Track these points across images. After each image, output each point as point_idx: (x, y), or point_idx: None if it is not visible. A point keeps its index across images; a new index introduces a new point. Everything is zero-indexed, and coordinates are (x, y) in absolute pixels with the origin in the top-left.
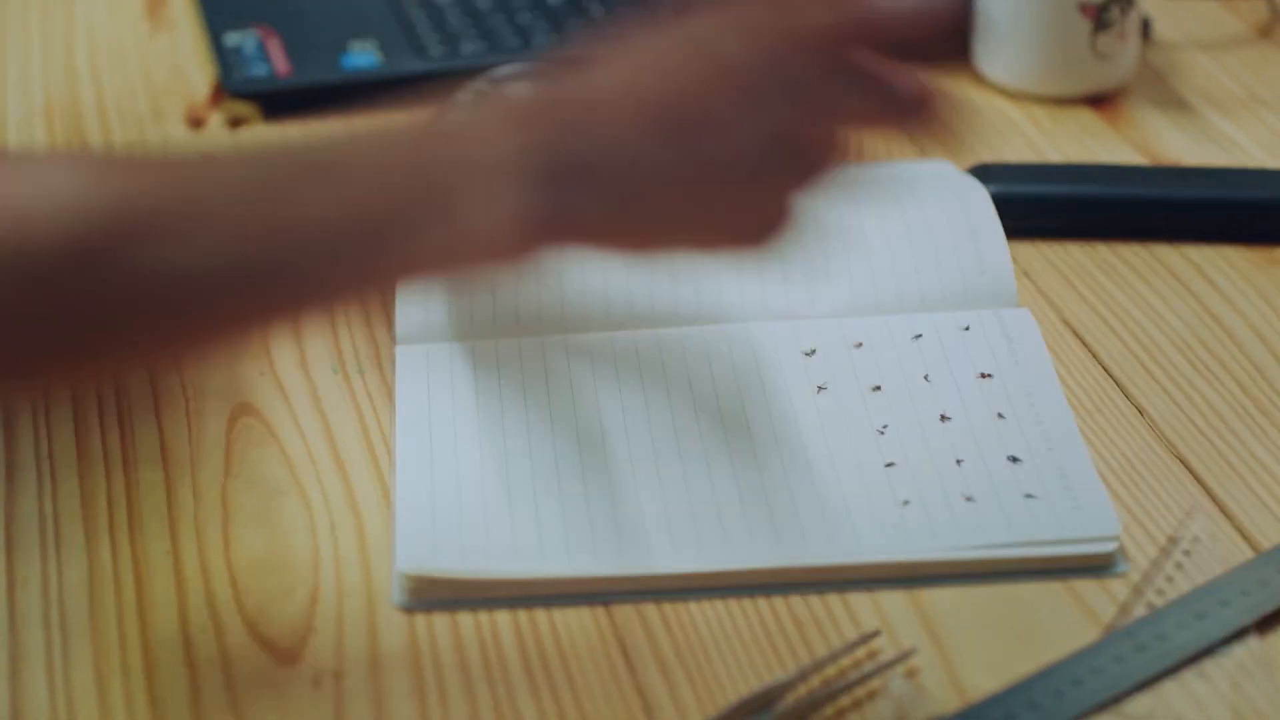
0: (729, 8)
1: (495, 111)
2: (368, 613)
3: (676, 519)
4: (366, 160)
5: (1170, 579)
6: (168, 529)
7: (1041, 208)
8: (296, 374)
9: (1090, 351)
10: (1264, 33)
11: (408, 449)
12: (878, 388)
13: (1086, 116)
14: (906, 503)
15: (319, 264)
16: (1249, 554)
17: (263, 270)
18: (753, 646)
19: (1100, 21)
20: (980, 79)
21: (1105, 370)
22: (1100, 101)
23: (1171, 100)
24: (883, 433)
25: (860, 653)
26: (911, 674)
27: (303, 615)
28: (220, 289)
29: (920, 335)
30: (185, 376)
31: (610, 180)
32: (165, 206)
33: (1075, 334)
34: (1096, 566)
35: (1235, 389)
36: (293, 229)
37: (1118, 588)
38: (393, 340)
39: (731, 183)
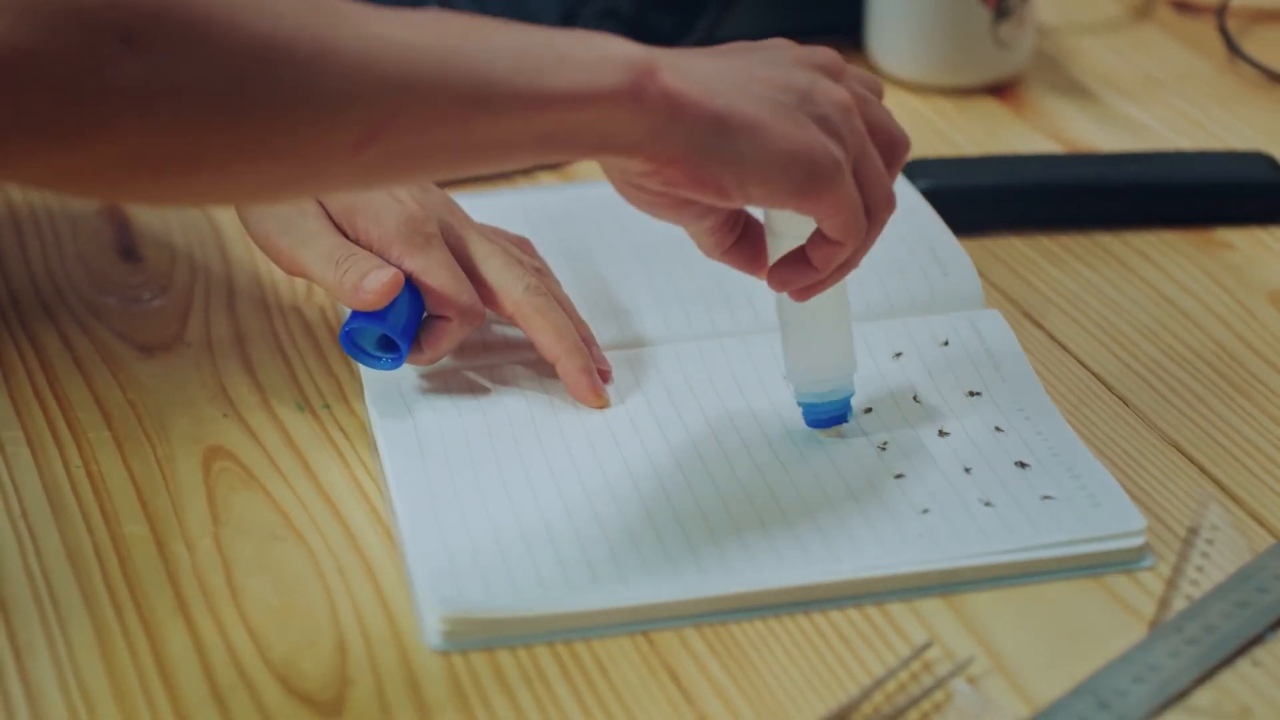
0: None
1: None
2: (402, 658)
3: (699, 541)
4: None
5: (1200, 569)
6: (168, 583)
7: (980, 201)
8: (261, 414)
9: (1060, 345)
10: (1143, 14)
11: (404, 484)
12: (869, 410)
13: (991, 106)
14: (926, 511)
15: (494, 63)
16: (1268, 538)
17: (445, 54)
18: (805, 665)
19: (1001, 10)
20: (877, 72)
21: (1080, 363)
22: (1001, 90)
23: (1070, 86)
24: (884, 449)
25: (915, 665)
26: (971, 682)
27: (334, 665)
28: (409, 61)
29: (901, 354)
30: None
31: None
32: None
33: (1041, 328)
34: (1124, 561)
35: (1210, 372)
36: (471, 35)
37: (1149, 581)
38: (353, 373)
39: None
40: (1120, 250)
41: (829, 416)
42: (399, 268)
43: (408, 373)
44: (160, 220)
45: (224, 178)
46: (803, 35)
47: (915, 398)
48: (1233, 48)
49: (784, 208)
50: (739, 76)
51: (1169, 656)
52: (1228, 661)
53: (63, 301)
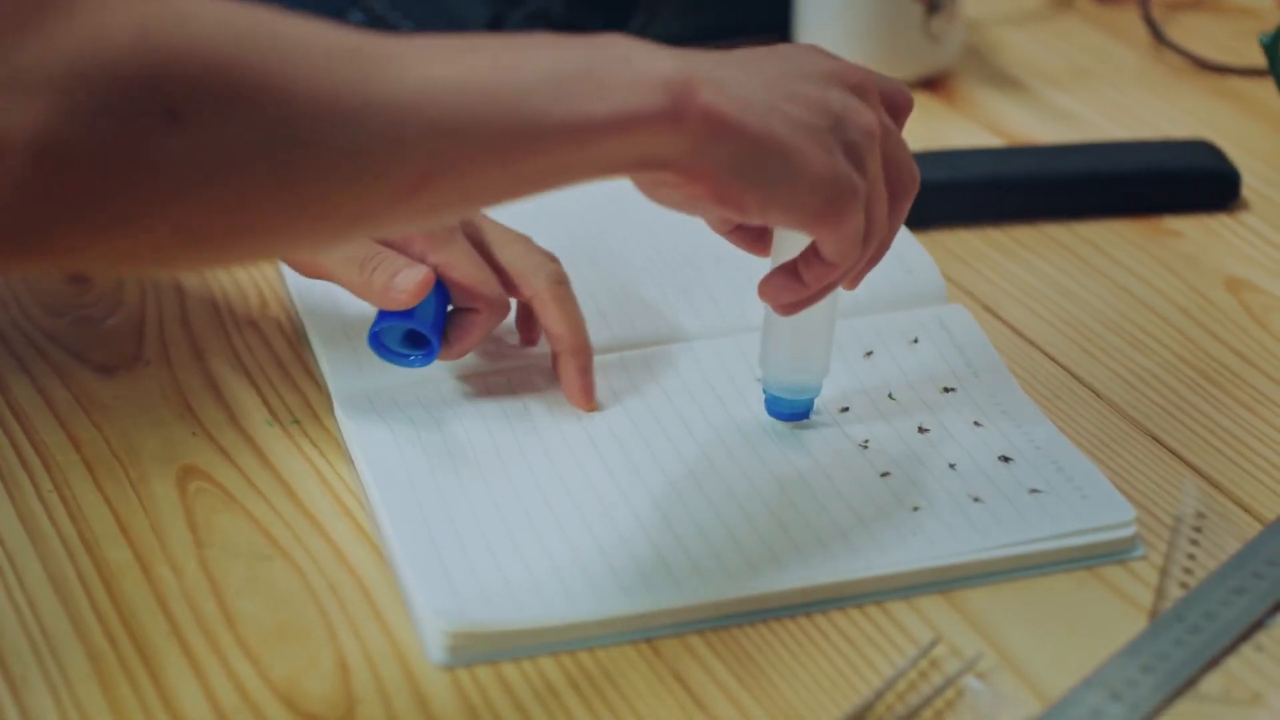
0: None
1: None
2: (406, 675)
3: (694, 547)
4: (545, 39)
5: (1192, 557)
6: (158, 608)
7: (929, 195)
8: (230, 431)
9: (1024, 338)
10: (1063, 4)
11: (390, 500)
12: (845, 409)
13: (925, 100)
14: (917, 508)
15: (534, 97)
16: (1254, 524)
17: (487, 93)
18: (813, 667)
19: (932, 4)
20: None
21: (1047, 355)
22: (933, 84)
23: (1000, 78)
24: (865, 446)
25: (923, 663)
26: (981, 677)
27: (339, 685)
28: (452, 105)
29: (871, 352)
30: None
31: (743, 94)
32: (381, 42)
33: (1002, 321)
34: (1117, 552)
35: (1176, 361)
36: (508, 66)
37: (1143, 570)
38: (320, 388)
39: (816, 128)
40: (1070, 241)
41: (791, 413)
42: (423, 263)
43: (378, 386)
44: None
45: (276, 239)
46: (732, 34)
47: (891, 395)
48: (1158, 36)
49: (795, 229)
50: (775, 93)
51: (1174, 645)
52: (1232, 648)
53: (15, 326)
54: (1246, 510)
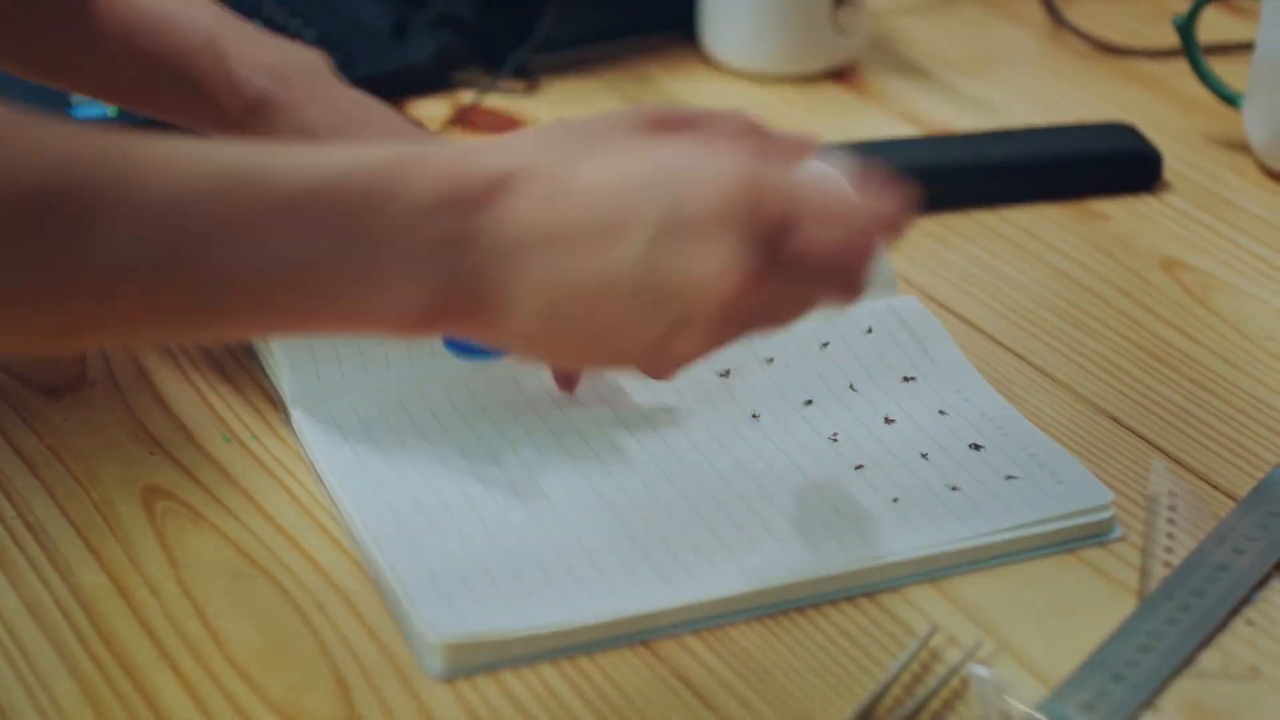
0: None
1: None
2: (406, 690)
3: (679, 549)
4: (310, 204)
5: (1171, 535)
6: (143, 633)
7: None
8: (189, 449)
9: (972, 325)
10: None
11: (367, 515)
12: (809, 402)
13: (835, 92)
14: (896, 500)
15: (230, 288)
16: (1224, 500)
17: (177, 282)
18: (814, 662)
19: None
20: (714, 65)
21: (997, 342)
22: (841, 76)
23: (907, 67)
24: (835, 440)
25: (923, 653)
26: (984, 664)
27: (340, 702)
28: (133, 284)
29: (827, 344)
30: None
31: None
32: (110, 179)
33: (947, 309)
34: (1096, 534)
35: (1125, 343)
36: (223, 245)
37: (1124, 552)
38: (272, 402)
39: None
40: (1002, 227)
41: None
42: None
43: (336, 396)
44: None
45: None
46: (640, 31)
47: (852, 387)
48: (1059, 20)
49: None
50: (593, 322)
51: (1167, 624)
52: (1224, 624)
53: None
54: (1215, 487)
